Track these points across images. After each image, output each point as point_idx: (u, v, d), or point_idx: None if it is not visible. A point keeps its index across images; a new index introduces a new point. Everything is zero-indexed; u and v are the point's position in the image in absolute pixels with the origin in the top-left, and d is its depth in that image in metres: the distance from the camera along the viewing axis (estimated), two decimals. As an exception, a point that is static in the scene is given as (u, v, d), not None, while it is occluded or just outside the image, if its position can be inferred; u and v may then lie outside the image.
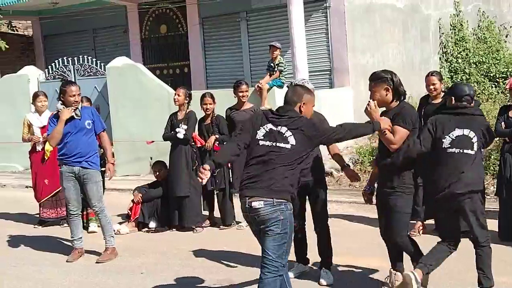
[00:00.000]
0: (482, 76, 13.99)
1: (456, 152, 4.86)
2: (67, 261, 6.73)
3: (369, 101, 4.98)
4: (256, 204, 4.31)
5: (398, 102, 5.01)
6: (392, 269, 5.25)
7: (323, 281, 5.63)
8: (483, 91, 13.43)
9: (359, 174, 5.99)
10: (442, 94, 6.89)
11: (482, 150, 5.19)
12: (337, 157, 5.84)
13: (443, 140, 4.90)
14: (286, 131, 4.43)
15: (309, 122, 4.53)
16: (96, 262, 6.63)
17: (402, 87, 5.01)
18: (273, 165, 4.36)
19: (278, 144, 4.40)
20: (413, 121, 4.93)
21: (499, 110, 6.78)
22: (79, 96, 6.69)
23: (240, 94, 7.82)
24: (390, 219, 5.00)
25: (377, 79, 5.03)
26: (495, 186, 6.95)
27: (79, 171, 6.61)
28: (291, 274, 5.41)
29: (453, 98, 5.06)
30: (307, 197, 5.78)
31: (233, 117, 7.89)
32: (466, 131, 4.90)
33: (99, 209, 6.70)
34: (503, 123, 6.53)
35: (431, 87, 6.81)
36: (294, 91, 4.65)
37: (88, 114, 6.79)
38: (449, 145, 4.89)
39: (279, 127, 4.45)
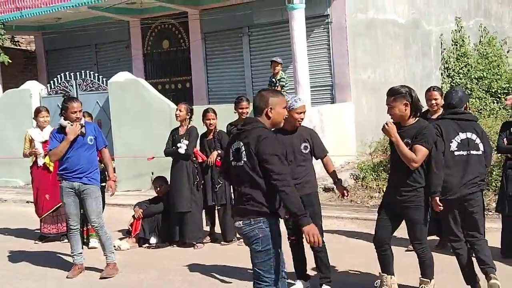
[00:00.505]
0: (484, 91, 14.00)
1: (464, 154, 5.20)
2: (67, 277, 6.71)
3: (386, 122, 5.14)
4: (237, 224, 4.40)
5: (415, 118, 5.16)
6: (382, 273, 5.37)
7: None
8: (485, 106, 13.43)
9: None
10: (441, 109, 6.86)
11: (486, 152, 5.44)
12: (331, 173, 5.94)
13: (450, 144, 5.18)
14: (242, 146, 4.36)
15: (258, 136, 4.29)
16: (100, 278, 6.60)
17: (420, 103, 5.17)
18: (242, 184, 4.34)
19: (237, 163, 4.37)
20: (434, 140, 5.11)
21: (501, 126, 6.76)
22: (80, 113, 6.70)
23: (240, 110, 7.79)
24: (411, 231, 5.23)
25: (396, 94, 5.14)
26: (496, 203, 6.90)
27: (79, 186, 6.61)
28: None
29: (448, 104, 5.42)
30: None
31: (233, 133, 7.86)
32: (469, 134, 5.25)
33: (98, 225, 6.68)
34: (505, 139, 6.51)
35: (433, 102, 6.79)
36: (260, 97, 4.47)
37: (91, 129, 6.81)
38: (456, 148, 5.19)
39: (239, 143, 4.40)
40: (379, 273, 5.43)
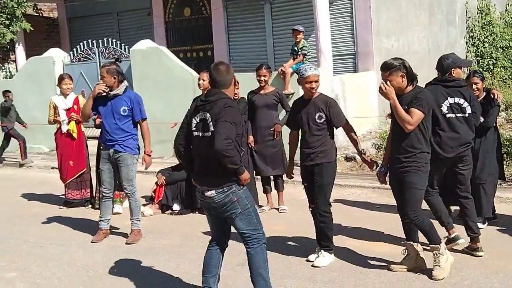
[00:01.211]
0: (509, 61, 13.80)
1: (453, 116, 5.67)
2: (92, 242, 6.84)
3: (381, 82, 5.19)
4: (209, 193, 4.54)
5: (412, 86, 5.24)
6: (407, 241, 5.45)
7: (316, 263, 5.70)
8: (510, 76, 13.25)
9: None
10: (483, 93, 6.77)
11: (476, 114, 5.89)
12: (353, 143, 5.90)
13: (441, 108, 5.63)
14: (208, 117, 4.52)
15: (224, 105, 4.48)
16: (126, 243, 6.72)
17: (413, 71, 5.23)
18: (209, 155, 4.46)
19: (204, 134, 4.54)
20: (430, 105, 5.21)
21: None
22: (106, 78, 6.62)
23: (258, 78, 7.81)
24: (405, 195, 5.23)
25: (391, 68, 5.20)
26: None
27: (113, 153, 6.71)
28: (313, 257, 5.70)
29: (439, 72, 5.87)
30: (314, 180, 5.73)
31: (253, 101, 7.87)
32: (457, 99, 5.72)
33: (130, 191, 6.79)
34: None
35: (473, 87, 6.66)
36: (220, 71, 4.62)
37: (127, 100, 6.73)
38: (447, 111, 5.66)
39: (205, 113, 4.55)
40: (404, 241, 5.47)
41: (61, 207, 8.72)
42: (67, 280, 5.72)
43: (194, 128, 4.62)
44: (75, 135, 8.53)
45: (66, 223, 7.79)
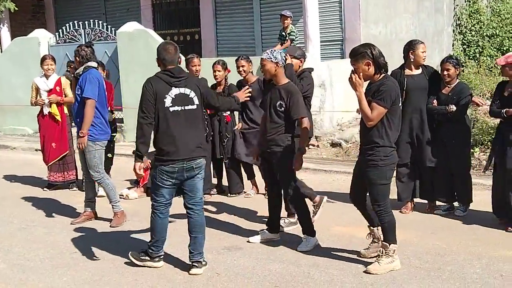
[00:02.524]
0: (495, 49, 13.85)
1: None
2: (71, 223, 6.82)
3: (352, 72, 5.04)
4: (200, 162, 5.20)
5: (381, 74, 5.05)
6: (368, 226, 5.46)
7: (300, 247, 5.76)
8: (496, 65, 13.30)
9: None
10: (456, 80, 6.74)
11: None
12: (300, 137, 5.83)
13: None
14: (190, 92, 5.12)
15: (198, 81, 5.31)
16: (110, 227, 6.70)
17: (383, 59, 5.03)
18: (192, 127, 5.13)
19: (186, 107, 5.09)
20: (393, 98, 4.98)
21: (495, 89, 6.55)
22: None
23: (237, 70, 7.65)
24: (368, 189, 5.20)
25: (357, 54, 5.06)
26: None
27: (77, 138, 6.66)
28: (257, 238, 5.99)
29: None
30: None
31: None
32: None
33: (95, 178, 6.67)
34: (498, 101, 6.28)
35: (445, 72, 6.61)
36: (171, 51, 5.16)
37: (81, 80, 6.60)
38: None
39: (184, 89, 5.10)
40: (368, 226, 5.49)
41: (44, 189, 8.67)
42: (51, 262, 5.70)
43: (171, 104, 5.03)
44: (58, 117, 8.45)
45: (50, 205, 7.74)
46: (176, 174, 5.13)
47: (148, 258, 5.42)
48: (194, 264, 5.27)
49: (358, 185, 5.32)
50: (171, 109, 5.03)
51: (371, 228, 5.44)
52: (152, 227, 5.36)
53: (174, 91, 5.06)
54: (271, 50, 5.81)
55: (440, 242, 5.85)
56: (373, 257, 5.32)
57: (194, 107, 5.13)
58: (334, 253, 5.62)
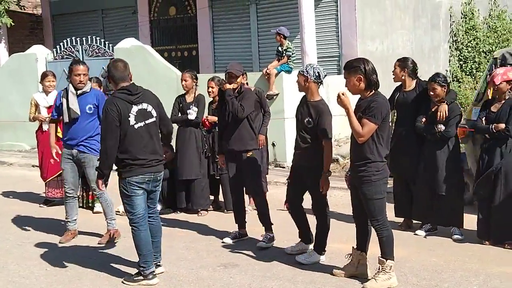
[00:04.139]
0: (492, 65, 13.89)
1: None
2: (59, 242, 6.76)
3: (338, 93, 5.05)
4: (162, 174, 5.57)
5: (371, 91, 5.06)
6: (355, 248, 5.40)
7: (299, 258, 5.82)
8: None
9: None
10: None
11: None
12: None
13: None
14: (147, 106, 5.35)
15: (154, 96, 5.54)
16: (98, 243, 6.66)
17: (375, 76, 5.03)
18: (151, 140, 5.39)
19: (147, 121, 5.32)
20: (384, 115, 5.00)
21: (482, 105, 6.54)
22: (85, 77, 6.65)
23: (208, 89, 7.77)
24: (364, 205, 5.16)
25: (350, 68, 5.09)
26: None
27: (77, 154, 6.61)
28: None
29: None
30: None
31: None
32: None
33: (99, 192, 6.61)
34: (483, 119, 6.28)
35: (431, 93, 6.52)
36: (121, 69, 5.38)
37: (92, 97, 6.68)
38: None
39: (142, 104, 5.32)
40: (352, 247, 5.44)
41: (41, 205, 8.64)
42: (46, 280, 5.66)
43: (135, 122, 5.26)
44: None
45: (46, 222, 7.72)
46: (144, 184, 5.38)
47: (142, 278, 5.40)
48: (158, 264, 5.62)
49: (359, 206, 5.29)
50: (136, 126, 5.27)
51: (356, 250, 5.37)
52: (136, 244, 5.42)
53: (135, 108, 5.28)
54: (307, 65, 5.84)
55: (437, 259, 5.83)
56: (345, 276, 5.35)
57: (154, 119, 5.39)
58: (331, 270, 5.57)
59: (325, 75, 5.87)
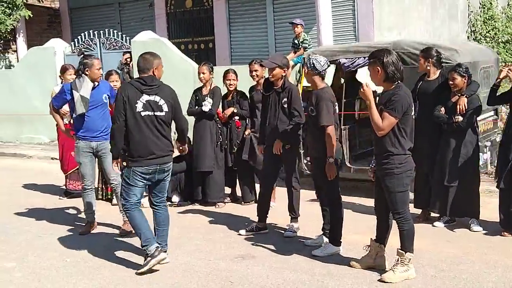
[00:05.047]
0: (511, 55, 13.77)
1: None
2: (79, 234, 6.85)
3: (362, 84, 5.04)
4: (168, 166, 5.63)
5: (392, 84, 5.01)
6: (374, 240, 5.39)
7: (315, 251, 5.83)
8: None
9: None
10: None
11: None
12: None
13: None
14: (160, 99, 5.48)
15: (172, 92, 5.65)
16: (119, 235, 6.73)
17: (393, 68, 4.95)
18: (160, 132, 5.51)
19: (155, 113, 5.45)
20: (405, 108, 4.95)
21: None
22: (101, 70, 6.83)
23: (250, 74, 7.56)
24: (387, 198, 5.13)
25: (371, 58, 5.10)
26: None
27: (97, 145, 6.68)
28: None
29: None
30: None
31: (252, 96, 7.71)
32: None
33: (118, 182, 6.64)
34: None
35: (450, 82, 6.55)
36: (144, 60, 5.54)
37: (106, 87, 6.87)
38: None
39: (154, 96, 5.46)
40: (371, 239, 5.43)
41: (61, 197, 8.73)
42: (66, 271, 5.73)
43: (142, 109, 5.40)
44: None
45: (66, 214, 7.81)
46: (149, 175, 5.54)
47: (150, 258, 5.50)
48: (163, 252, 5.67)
49: (378, 197, 5.30)
50: (143, 113, 5.43)
51: (375, 242, 5.37)
52: (133, 225, 5.64)
53: (145, 97, 5.44)
54: (307, 56, 5.86)
55: (455, 250, 5.81)
56: (363, 268, 5.35)
57: (163, 113, 5.50)
58: (348, 262, 5.58)
59: (329, 66, 5.87)
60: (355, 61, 7.75)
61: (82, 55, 7.03)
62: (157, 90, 5.50)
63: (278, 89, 6.42)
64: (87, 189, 6.84)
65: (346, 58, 7.86)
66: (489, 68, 8.07)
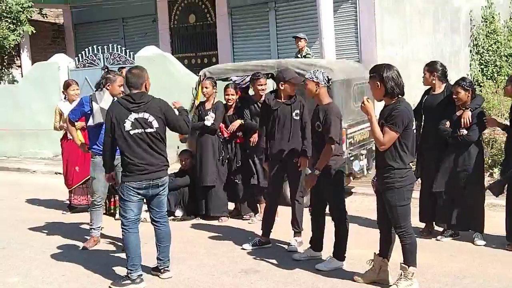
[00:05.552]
0: (514, 69, 13.77)
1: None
2: (82, 248, 6.85)
3: (363, 99, 5.06)
4: (162, 181, 5.60)
5: (393, 98, 5.01)
6: (377, 254, 5.37)
7: (318, 266, 5.82)
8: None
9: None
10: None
11: None
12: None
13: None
14: (149, 116, 5.46)
15: (164, 104, 5.60)
16: (121, 250, 6.71)
17: (392, 84, 4.96)
18: (152, 149, 5.52)
19: (146, 130, 5.46)
20: (405, 123, 4.95)
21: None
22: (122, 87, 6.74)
23: (259, 87, 7.56)
24: (388, 212, 5.12)
25: (371, 73, 5.11)
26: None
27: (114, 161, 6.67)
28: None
29: None
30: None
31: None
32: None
33: None
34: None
35: (453, 96, 6.53)
36: (135, 76, 5.51)
37: None
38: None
39: (143, 113, 5.45)
40: (374, 253, 5.41)
41: (64, 212, 8.74)
42: (68, 286, 5.73)
43: (130, 128, 5.42)
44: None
45: (69, 229, 7.80)
46: (142, 190, 5.55)
47: (129, 282, 5.51)
48: (165, 269, 5.77)
49: (380, 211, 5.29)
50: (132, 132, 5.44)
51: (378, 256, 5.36)
52: (125, 245, 5.61)
53: (133, 115, 5.45)
54: (314, 70, 5.86)
55: (459, 264, 5.80)
56: (366, 283, 5.34)
57: (154, 130, 5.48)
58: (352, 276, 5.57)
59: (331, 79, 5.94)
60: (244, 79, 8.10)
61: (106, 69, 7.06)
62: (145, 108, 5.47)
63: (287, 102, 6.43)
64: (97, 205, 6.86)
65: (236, 76, 8.24)
66: (362, 84, 8.59)
